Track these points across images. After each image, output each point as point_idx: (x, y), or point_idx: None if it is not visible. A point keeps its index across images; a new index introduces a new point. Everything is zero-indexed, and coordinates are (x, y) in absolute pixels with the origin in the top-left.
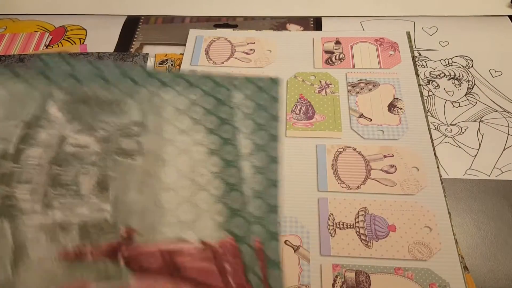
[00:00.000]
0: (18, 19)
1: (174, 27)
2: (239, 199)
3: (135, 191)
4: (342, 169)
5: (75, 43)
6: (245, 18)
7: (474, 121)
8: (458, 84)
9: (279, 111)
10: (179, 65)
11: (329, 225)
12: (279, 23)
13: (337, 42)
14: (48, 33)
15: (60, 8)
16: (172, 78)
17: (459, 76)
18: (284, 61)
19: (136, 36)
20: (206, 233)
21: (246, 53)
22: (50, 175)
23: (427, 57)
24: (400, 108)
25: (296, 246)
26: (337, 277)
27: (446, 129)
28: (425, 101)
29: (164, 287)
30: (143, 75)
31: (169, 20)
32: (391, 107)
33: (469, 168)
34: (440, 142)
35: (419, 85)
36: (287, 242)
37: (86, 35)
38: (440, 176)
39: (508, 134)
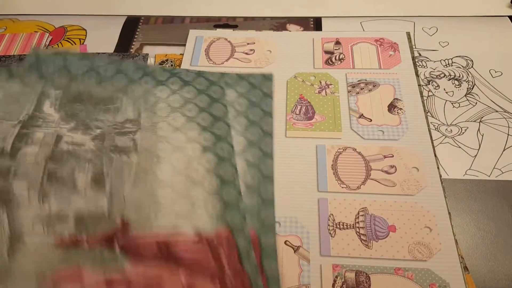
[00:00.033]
0: (18, 19)
1: (174, 28)
2: (233, 193)
3: (130, 186)
4: (342, 170)
5: (75, 44)
6: (245, 18)
7: (474, 121)
8: (458, 85)
9: (272, 106)
10: (179, 65)
11: (329, 225)
12: (279, 24)
13: (337, 43)
14: (48, 33)
15: (60, 8)
16: (167, 77)
17: (459, 76)
18: (284, 62)
19: (136, 36)
20: (201, 225)
21: (246, 53)
22: (46, 171)
23: (427, 58)
24: (400, 109)
25: (296, 246)
26: (337, 278)
27: (446, 129)
28: (425, 101)
29: (159, 273)
30: (139, 72)
31: (169, 20)
32: (391, 107)
33: (469, 169)
34: (440, 143)
35: (419, 85)
36: (287, 242)
37: (86, 35)
38: (440, 176)
39: (508, 135)
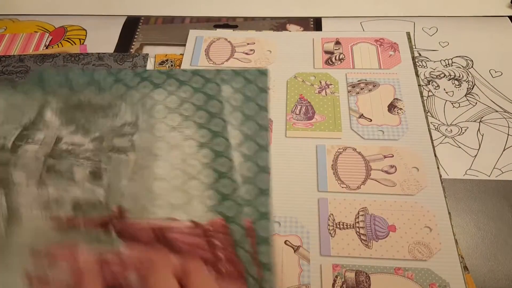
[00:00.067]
0: (18, 19)
1: (174, 28)
2: (229, 185)
3: (127, 180)
4: (342, 170)
5: (75, 44)
6: (245, 18)
7: (474, 121)
8: (458, 85)
9: (267, 101)
10: (179, 65)
11: (329, 225)
12: (279, 24)
13: (337, 43)
14: (48, 34)
15: (60, 8)
16: (164, 79)
17: (459, 76)
18: (284, 62)
19: (136, 36)
20: (196, 214)
21: (246, 53)
22: (46, 165)
23: (427, 58)
24: (400, 109)
25: (296, 246)
26: (337, 277)
27: (446, 129)
28: (425, 101)
29: (155, 256)
30: (136, 79)
31: (169, 20)
32: (391, 107)
33: (469, 168)
34: (440, 143)
35: (419, 85)
36: (287, 242)
37: (86, 35)
38: (440, 176)
39: (508, 134)
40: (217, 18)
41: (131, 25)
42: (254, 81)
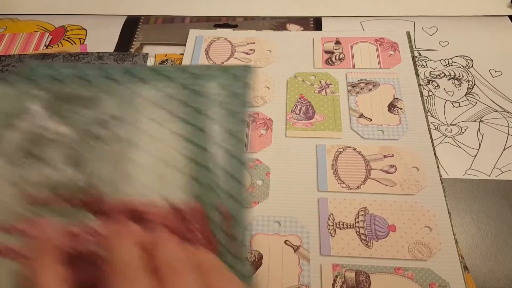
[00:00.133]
0: (18, 19)
1: (174, 27)
2: (208, 174)
3: (107, 167)
4: (342, 169)
5: (75, 43)
6: (245, 18)
7: (474, 121)
8: (458, 84)
9: (250, 96)
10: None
11: (329, 225)
12: (279, 23)
13: (337, 42)
14: (48, 33)
15: (60, 8)
16: (153, 76)
17: (459, 76)
18: (284, 61)
19: (136, 36)
20: (172, 197)
21: (246, 53)
22: (26, 151)
23: (427, 57)
24: (400, 108)
25: (296, 246)
26: (337, 277)
27: (446, 129)
28: (425, 101)
29: (120, 228)
30: (125, 75)
31: (169, 20)
32: (391, 107)
33: (469, 168)
34: (440, 142)
35: (419, 85)
36: (287, 242)
37: (86, 35)
38: (440, 176)
39: (508, 134)
40: (217, 18)
41: (131, 24)
42: (240, 77)
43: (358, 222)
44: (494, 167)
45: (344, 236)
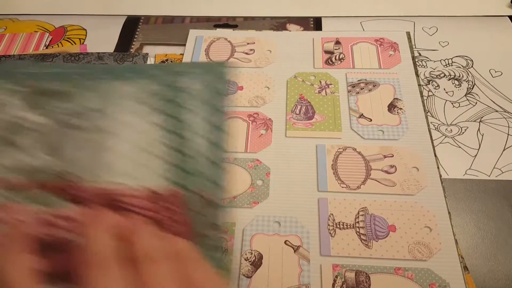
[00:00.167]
0: (18, 19)
1: (174, 27)
2: (188, 161)
3: (86, 155)
4: (342, 169)
5: (75, 43)
6: (245, 18)
7: (474, 121)
8: (458, 84)
9: (227, 89)
10: None
11: (329, 225)
12: (279, 23)
13: (337, 42)
14: (48, 33)
15: (60, 8)
16: (136, 74)
17: (459, 76)
18: (284, 61)
19: (136, 36)
20: (150, 182)
21: (246, 53)
22: (1, 138)
23: (427, 57)
24: (400, 108)
25: (296, 246)
26: (337, 277)
27: (446, 129)
28: (425, 101)
29: (94, 214)
30: (107, 73)
31: (169, 20)
32: (391, 107)
33: (469, 168)
34: (440, 142)
35: (419, 85)
36: (287, 242)
37: (86, 35)
38: (440, 176)
39: (508, 134)
40: (217, 18)
41: (131, 25)
42: (219, 74)
43: (358, 222)
44: (494, 167)
45: (344, 236)
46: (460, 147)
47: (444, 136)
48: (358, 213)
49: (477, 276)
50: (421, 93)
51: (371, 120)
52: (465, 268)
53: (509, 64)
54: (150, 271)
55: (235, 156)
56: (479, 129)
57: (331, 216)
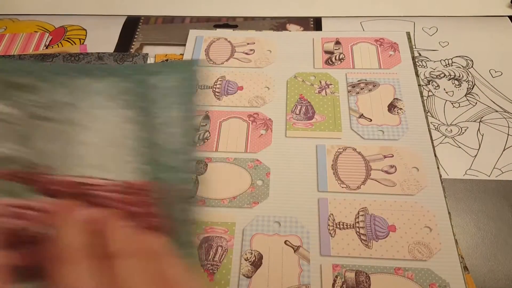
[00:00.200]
0: (18, 19)
1: (174, 27)
2: (158, 154)
3: (56, 146)
4: (342, 170)
5: (75, 43)
6: (245, 18)
7: (474, 121)
8: (458, 84)
9: (197, 86)
10: None
11: (329, 225)
12: (279, 23)
13: (337, 42)
14: (48, 33)
15: (60, 8)
16: (108, 72)
17: (459, 76)
18: (284, 61)
19: (136, 36)
20: (121, 175)
21: (246, 53)
22: None
23: (427, 57)
24: (400, 108)
25: (296, 246)
26: (337, 277)
27: (446, 129)
28: (425, 101)
29: (65, 206)
30: (78, 72)
31: (169, 20)
32: (391, 107)
33: (469, 168)
34: (440, 142)
35: (419, 85)
36: (287, 242)
37: (86, 35)
38: (440, 176)
39: (508, 134)
40: (217, 18)
41: (131, 25)
42: (190, 71)
43: (358, 222)
44: (494, 167)
45: (344, 236)
46: (460, 147)
47: (444, 136)
48: (358, 213)
49: (477, 276)
50: (421, 93)
51: (371, 120)
52: (465, 268)
53: (509, 64)
54: (122, 266)
55: (235, 156)
56: (479, 129)
57: (331, 216)
